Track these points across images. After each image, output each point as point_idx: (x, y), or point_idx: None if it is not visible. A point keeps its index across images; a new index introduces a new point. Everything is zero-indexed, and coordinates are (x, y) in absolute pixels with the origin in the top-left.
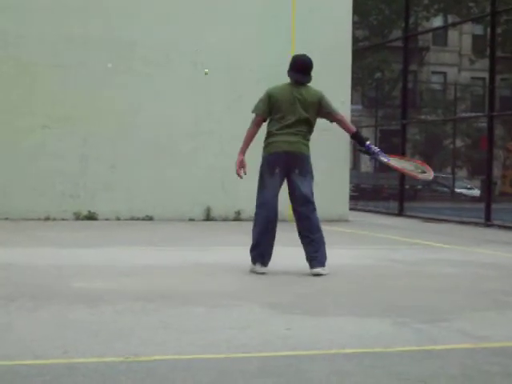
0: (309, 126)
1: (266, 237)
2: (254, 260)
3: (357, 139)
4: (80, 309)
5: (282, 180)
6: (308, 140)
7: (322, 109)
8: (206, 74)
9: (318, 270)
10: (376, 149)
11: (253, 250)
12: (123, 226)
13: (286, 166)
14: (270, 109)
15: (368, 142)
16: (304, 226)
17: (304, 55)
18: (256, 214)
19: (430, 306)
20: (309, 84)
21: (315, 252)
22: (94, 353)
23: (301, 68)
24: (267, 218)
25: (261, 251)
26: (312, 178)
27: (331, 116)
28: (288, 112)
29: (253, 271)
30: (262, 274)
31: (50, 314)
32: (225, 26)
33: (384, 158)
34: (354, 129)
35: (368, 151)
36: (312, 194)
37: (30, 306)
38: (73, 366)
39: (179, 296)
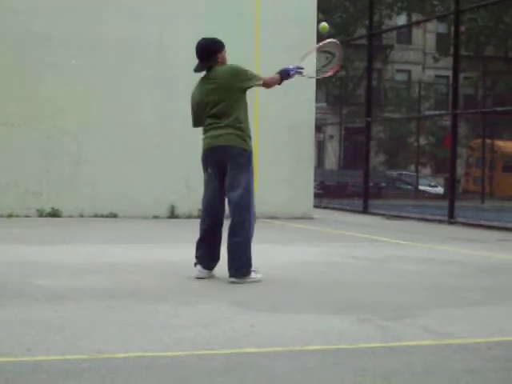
0: (233, 112)
1: (205, 241)
2: (196, 262)
3: (283, 79)
4: (44, 306)
5: (221, 178)
6: (240, 129)
7: (240, 84)
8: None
9: (231, 279)
10: (292, 69)
11: (195, 251)
12: (87, 223)
13: (216, 163)
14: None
15: (289, 67)
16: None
17: (201, 39)
18: (200, 216)
19: (393, 302)
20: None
21: (231, 260)
22: (58, 350)
23: (197, 54)
24: (206, 223)
25: (200, 254)
26: (247, 173)
27: (255, 86)
28: (207, 105)
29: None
30: (201, 278)
31: (14, 312)
32: (189, 24)
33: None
34: (277, 77)
35: (290, 75)
36: (243, 194)
37: None
38: (36, 364)
39: (144, 293)
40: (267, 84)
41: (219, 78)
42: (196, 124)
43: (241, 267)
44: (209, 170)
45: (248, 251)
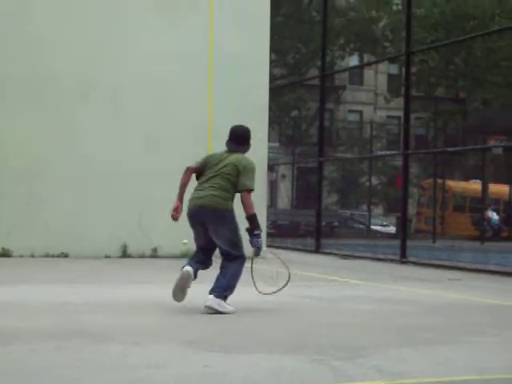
0: (227, 181)
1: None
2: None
3: (251, 222)
4: None
5: (206, 231)
6: (226, 193)
7: (237, 173)
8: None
9: (208, 297)
10: (259, 243)
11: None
12: (38, 263)
13: (199, 220)
14: (202, 167)
15: (258, 232)
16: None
17: (240, 126)
18: None
19: (346, 342)
20: (244, 155)
21: (215, 282)
22: None
23: (234, 137)
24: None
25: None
26: (232, 229)
27: (238, 185)
28: (209, 170)
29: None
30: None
31: None
32: (144, 59)
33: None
34: (252, 211)
35: (252, 237)
36: (231, 247)
37: None
38: None
39: (95, 333)
40: (245, 199)
41: (236, 161)
42: (195, 166)
43: (219, 287)
44: (195, 225)
45: (232, 280)
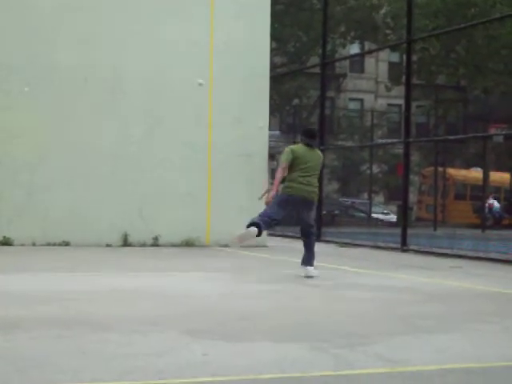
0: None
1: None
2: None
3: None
4: None
5: (294, 212)
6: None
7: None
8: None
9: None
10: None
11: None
12: (39, 251)
13: (297, 205)
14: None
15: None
16: None
17: (312, 127)
18: None
19: (347, 330)
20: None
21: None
22: (10, 381)
23: (312, 135)
24: None
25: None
26: (314, 214)
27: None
28: (308, 165)
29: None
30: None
31: None
32: (144, 50)
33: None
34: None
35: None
36: (312, 227)
37: None
38: None
39: (96, 322)
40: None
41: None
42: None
43: (309, 258)
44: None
45: (313, 250)
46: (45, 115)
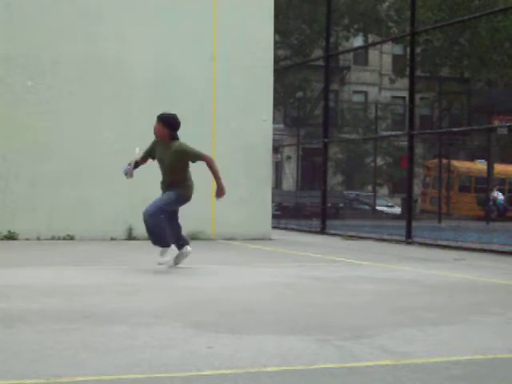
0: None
1: None
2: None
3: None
4: None
5: None
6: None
7: None
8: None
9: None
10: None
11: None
12: (44, 245)
13: None
14: None
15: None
16: None
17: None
18: None
19: (351, 322)
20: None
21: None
22: (15, 374)
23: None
24: None
25: None
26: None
27: None
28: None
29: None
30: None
31: None
32: (147, 42)
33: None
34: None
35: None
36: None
37: None
38: None
39: (101, 315)
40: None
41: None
42: None
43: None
44: None
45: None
46: (48, 108)
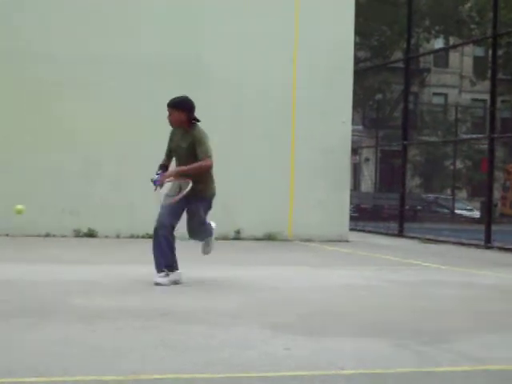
0: None
1: None
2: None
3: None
4: (80, 326)
5: None
6: None
7: None
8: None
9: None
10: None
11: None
12: (123, 243)
13: None
14: None
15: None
16: None
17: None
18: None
19: (429, 327)
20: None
21: None
22: (95, 371)
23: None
24: None
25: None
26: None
27: None
28: None
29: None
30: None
31: (50, 331)
32: (228, 43)
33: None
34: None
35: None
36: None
37: (30, 322)
38: None
39: (179, 314)
40: None
41: None
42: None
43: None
44: None
45: None
46: (130, 112)
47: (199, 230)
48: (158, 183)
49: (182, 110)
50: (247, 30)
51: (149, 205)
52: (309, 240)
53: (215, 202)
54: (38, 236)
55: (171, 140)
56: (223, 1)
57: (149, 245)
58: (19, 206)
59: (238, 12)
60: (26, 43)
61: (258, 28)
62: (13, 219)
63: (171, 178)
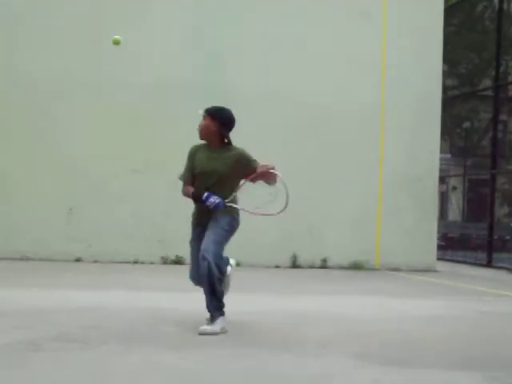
0: None
1: None
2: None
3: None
4: (169, 353)
5: None
6: None
7: None
8: None
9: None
10: (207, 199)
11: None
12: None
13: None
14: None
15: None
16: None
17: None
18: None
19: None
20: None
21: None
22: None
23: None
24: None
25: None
26: None
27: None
28: None
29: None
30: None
31: (141, 358)
32: (316, 69)
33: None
34: (190, 193)
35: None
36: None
37: (120, 349)
38: None
39: (266, 342)
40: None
41: None
42: None
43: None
44: None
45: None
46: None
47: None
48: (221, 204)
49: (218, 120)
50: (335, 56)
51: (237, 231)
52: (396, 269)
53: (303, 230)
54: (127, 263)
55: (193, 159)
56: (308, 20)
57: (236, 272)
58: (117, 36)
59: (325, 38)
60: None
61: (346, 54)
62: (101, 245)
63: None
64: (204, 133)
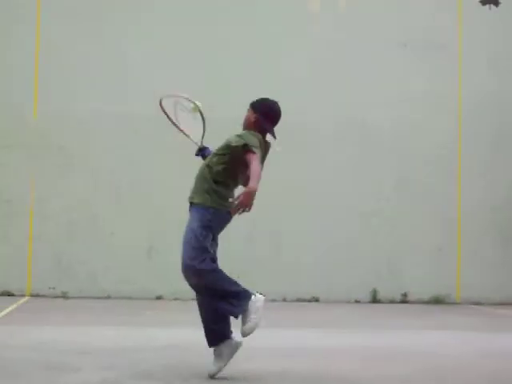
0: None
1: None
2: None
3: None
4: None
5: None
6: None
7: None
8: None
9: None
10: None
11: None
12: (289, 307)
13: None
14: None
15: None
16: None
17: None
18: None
19: None
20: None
21: None
22: None
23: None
24: None
25: None
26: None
27: None
28: None
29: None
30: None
31: None
32: (392, 102)
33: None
34: None
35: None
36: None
37: None
38: None
39: (347, 381)
40: None
41: None
42: None
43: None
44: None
45: None
46: (293, 171)
47: None
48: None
49: (257, 110)
50: (407, 85)
51: (313, 268)
52: (478, 303)
53: (382, 264)
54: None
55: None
56: (381, 54)
57: (316, 308)
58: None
59: (403, 70)
60: None
61: (420, 86)
62: (180, 284)
63: None
64: (244, 124)
